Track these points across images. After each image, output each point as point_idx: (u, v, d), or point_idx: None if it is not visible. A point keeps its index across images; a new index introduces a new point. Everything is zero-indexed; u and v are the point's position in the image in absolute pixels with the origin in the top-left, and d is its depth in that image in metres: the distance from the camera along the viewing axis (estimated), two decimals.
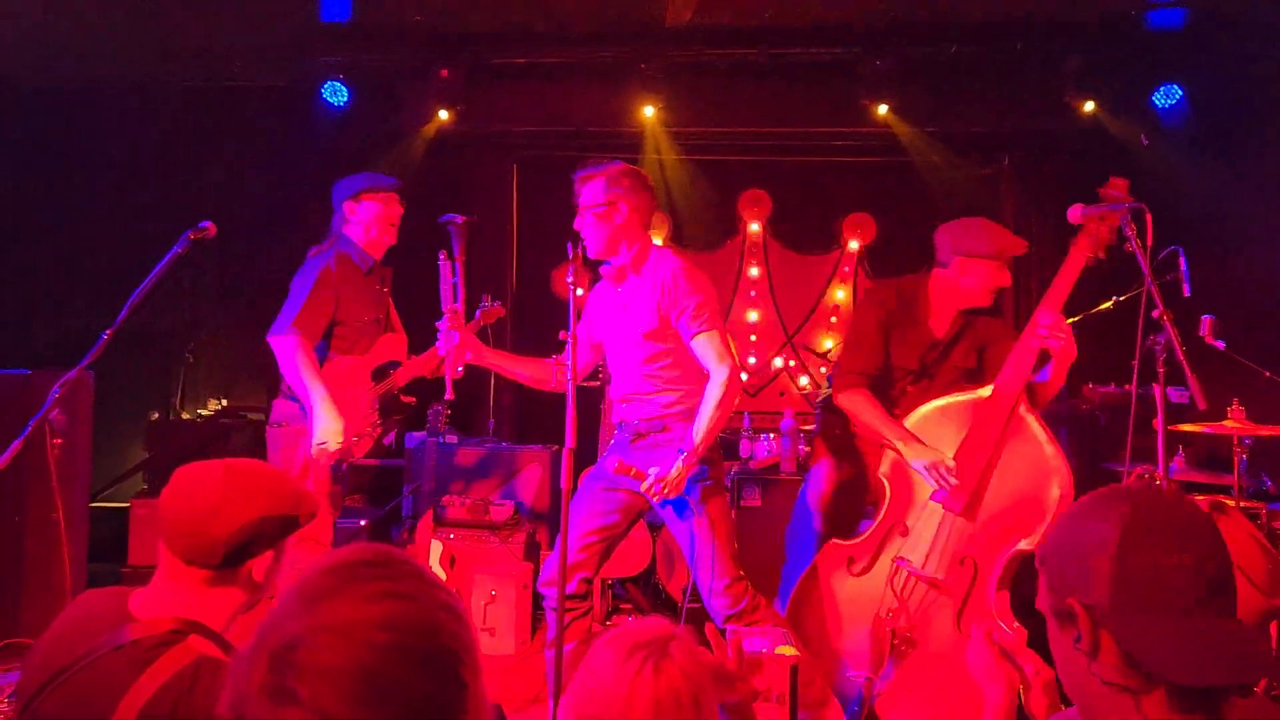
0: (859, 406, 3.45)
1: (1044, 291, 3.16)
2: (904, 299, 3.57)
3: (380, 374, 3.82)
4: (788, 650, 2.77)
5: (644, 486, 3.13)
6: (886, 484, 3.34)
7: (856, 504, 3.70)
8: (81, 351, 3.16)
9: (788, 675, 2.70)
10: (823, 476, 3.79)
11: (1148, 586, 1.18)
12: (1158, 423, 2.78)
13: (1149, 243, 2.81)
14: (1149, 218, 2.82)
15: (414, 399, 3.89)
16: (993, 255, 3.38)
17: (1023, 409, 3.17)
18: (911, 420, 3.33)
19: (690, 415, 3.17)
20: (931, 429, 3.29)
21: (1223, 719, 1.19)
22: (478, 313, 3.90)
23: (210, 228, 3.46)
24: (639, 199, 3.28)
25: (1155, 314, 2.73)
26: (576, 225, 3.28)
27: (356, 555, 1.01)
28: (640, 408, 3.32)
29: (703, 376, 3.21)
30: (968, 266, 3.43)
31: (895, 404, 3.52)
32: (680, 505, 3.24)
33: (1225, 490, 3.96)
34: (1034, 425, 3.16)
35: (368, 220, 3.78)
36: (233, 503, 1.60)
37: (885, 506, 3.33)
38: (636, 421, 3.33)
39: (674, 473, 3.08)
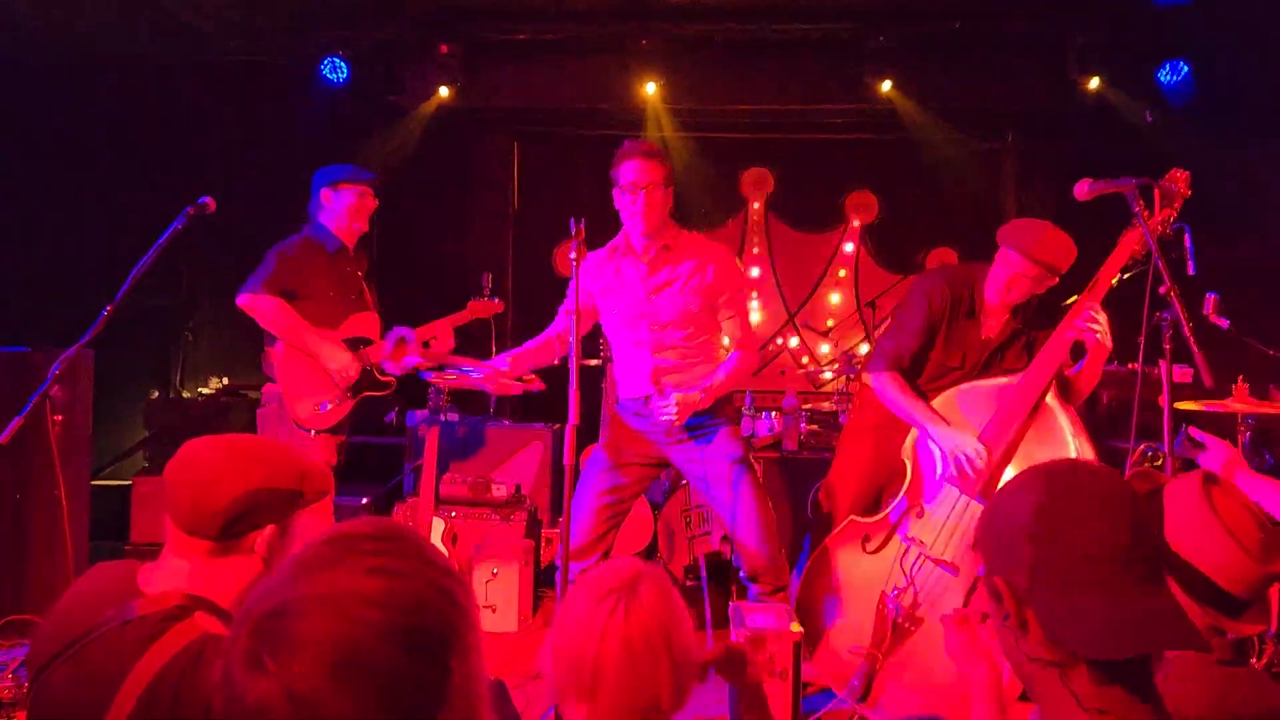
0: (886, 384, 3.44)
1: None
2: (955, 294, 3.44)
3: (351, 347, 3.89)
4: (792, 627, 2.78)
5: (669, 402, 3.29)
6: (908, 464, 3.33)
7: (882, 482, 3.68)
8: (81, 329, 3.15)
9: (790, 651, 2.72)
10: (854, 451, 3.78)
11: (1061, 562, 1.20)
12: (1163, 400, 2.77)
13: (1157, 218, 2.79)
14: (1156, 193, 2.80)
15: (393, 380, 3.90)
16: (1019, 249, 3.23)
17: (1051, 399, 3.13)
18: (938, 401, 3.32)
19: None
20: (956, 412, 3.27)
21: (1149, 688, 1.20)
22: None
23: (210, 203, 3.45)
24: None
25: (1162, 290, 2.71)
26: (632, 200, 3.36)
27: (359, 528, 0.99)
28: (688, 379, 3.43)
29: (718, 352, 3.50)
30: (1000, 255, 3.32)
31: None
32: (713, 454, 3.44)
33: None
34: (1061, 417, 3.11)
35: (341, 209, 3.91)
36: (232, 473, 1.62)
37: (906, 487, 3.32)
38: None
39: (693, 396, 3.31)
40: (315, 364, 3.79)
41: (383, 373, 3.91)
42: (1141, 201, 2.77)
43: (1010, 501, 1.28)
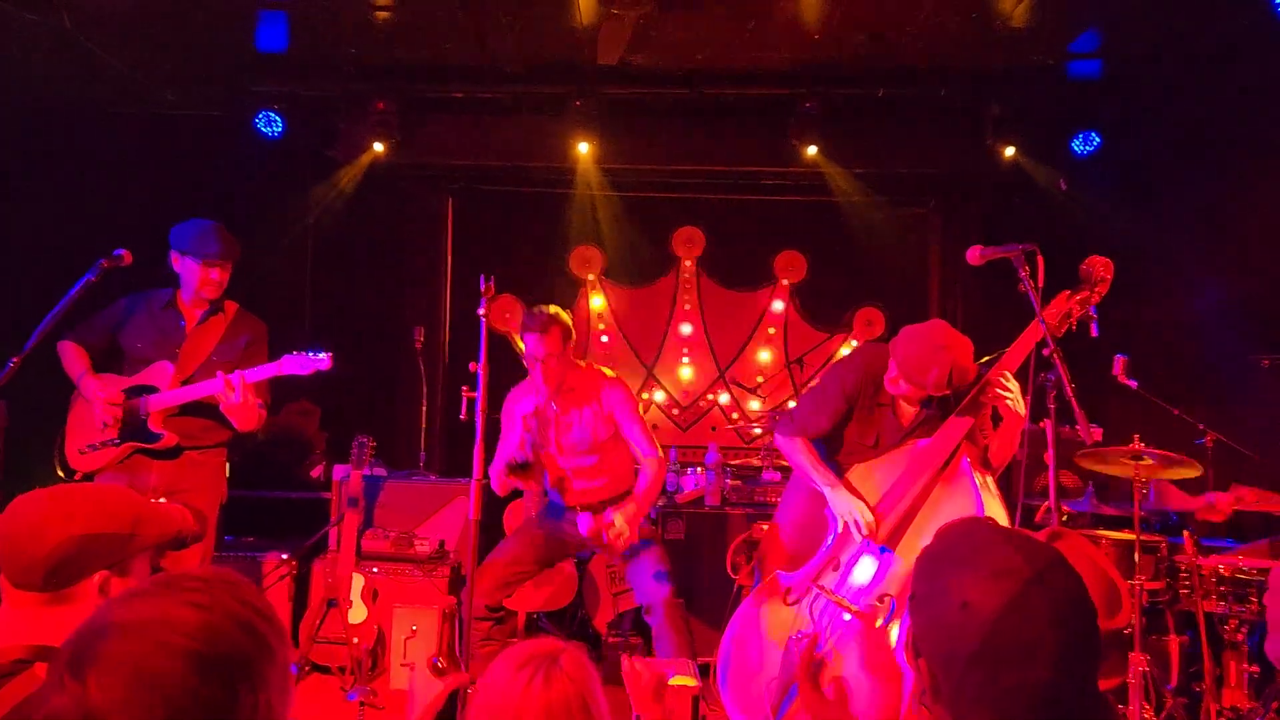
0: (791, 447, 3.63)
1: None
2: (871, 376, 3.50)
3: (134, 393, 3.83)
4: (688, 681, 2.80)
5: (610, 535, 3.89)
6: (830, 522, 3.44)
7: (816, 537, 3.74)
8: None
9: (689, 705, 2.74)
10: (791, 507, 3.89)
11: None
12: (1049, 457, 2.87)
13: (1040, 283, 2.91)
14: (1040, 259, 2.92)
15: (172, 434, 3.79)
16: (893, 357, 3.32)
17: (966, 463, 3.21)
18: (855, 470, 3.44)
19: (616, 496, 4.09)
20: (871, 477, 3.40)
21: None
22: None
23: (125, 255, 3.45)
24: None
25: (1046, 352, 2.82)
26: (531, 368, 3.95)
27: (192, 570, 1.05)
28: (595, 490, 4.13)
29: (624, 464, 4.15)
30: (893, 366, 3.40)
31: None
32: (643, 544, 4.02)
33: (1127, 523, 4.05)
34: (973, 480, 3.18)
35: (186, 277, 3.90)
36: (52, 522, 1.60)
37: (827, 543, 3.43)
38: (595, 503, 4.10)
39: (629, 509, 3.94)
40: (90, 411, 3.81)
41: (146, 416, 3.78)
42: (1027, 267, 2.89)
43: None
